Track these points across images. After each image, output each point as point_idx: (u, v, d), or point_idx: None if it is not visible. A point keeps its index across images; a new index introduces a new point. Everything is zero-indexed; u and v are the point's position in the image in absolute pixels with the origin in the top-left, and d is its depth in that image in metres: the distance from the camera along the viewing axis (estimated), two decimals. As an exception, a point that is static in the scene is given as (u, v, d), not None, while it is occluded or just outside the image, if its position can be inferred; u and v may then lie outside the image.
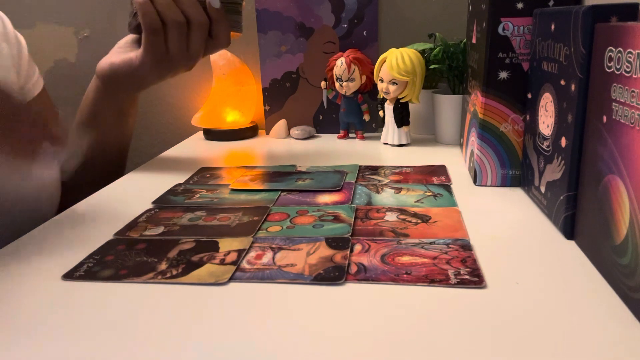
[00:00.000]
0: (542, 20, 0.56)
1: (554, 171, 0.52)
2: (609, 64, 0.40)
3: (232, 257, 0.47)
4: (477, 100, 0.66)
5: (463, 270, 0.44)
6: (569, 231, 0.49)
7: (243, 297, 0.41)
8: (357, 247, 0.49)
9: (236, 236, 0.52)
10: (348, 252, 0.47)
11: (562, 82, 0.49)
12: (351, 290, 0.41)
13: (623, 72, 0.38)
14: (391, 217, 0.56)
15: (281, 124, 0.98)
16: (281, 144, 0.93)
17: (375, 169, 0.74)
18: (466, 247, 0.48)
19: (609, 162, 0.40)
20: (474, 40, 0.71)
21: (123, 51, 0.72)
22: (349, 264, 0.45)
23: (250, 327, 0.37)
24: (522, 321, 0.37)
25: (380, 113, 0.89)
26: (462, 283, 0.42)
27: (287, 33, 0.96)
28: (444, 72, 0.88)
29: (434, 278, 0.42)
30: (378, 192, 0.64)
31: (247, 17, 1.01)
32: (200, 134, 1.02)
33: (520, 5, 0.60)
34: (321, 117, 1.00)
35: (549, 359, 0.33)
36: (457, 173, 0.71)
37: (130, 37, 0.74)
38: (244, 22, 0.71)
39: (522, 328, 0.36)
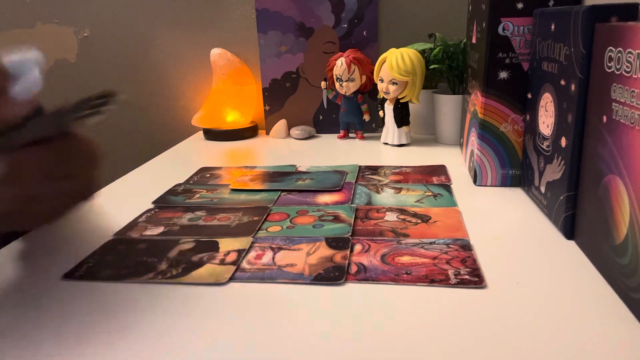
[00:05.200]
0: (542, 20, 0.56)
1: (554, 171, 0.52)
2: (609, 64, 0.40)
3: (232, 257, 0.47)
4: (477, 100, 0.66)
5: (463, 270, 0.44)
6: (569, 231, 0.49)
7: (243, 297, 0.41)
8: (357, 247, 0.49)
9: (236, 236, 0.52)
10: (348, 252, 0.47)
11: (562, 82, 0.49)
12: (351, 290, 0.41)
13: (623, 72, 0.38)
14: (391, 217, 0.56)
15: (281, 124, 0.98)
16: (281, 144, 0.93)
17: (375, 169, 0.74)
18: (466, 247, 0.48)
19: (609, 162, 0.40)
20: (474, 40, 0.71)
21: None
22: (349, 264, 0.45)
23: (250, 327, 0.37)
24: (522, 321, 0.37)
25: (380, 113, 0.89)
26: (462, 283, 0.42)
27: (287, 33, 0.96)
28: (444, 72, 0.88)
29: (434, 278, 0.42)
30: (378, 192, 0.64)
31: (248, 17, 1.02)
32: (200, 134, 1.02)
33: (520, 5, 0.60)
34: (321, 117, 1.00)
35: (549, 359, 0.33)
36: (457, 173, 0.71)
37: None
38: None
39: (522, 328, 0.36)
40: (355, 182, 0.68)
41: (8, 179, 0.38)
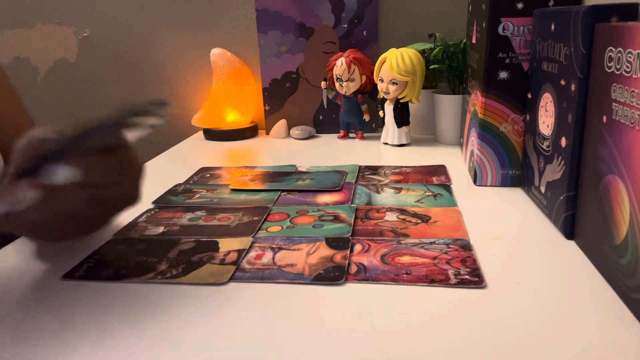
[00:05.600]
0: (542, 20, 0.56)
1: (554, 171, 0.52)
2: (609, 64, 0.40)
3: (232, 257, 0.47)
4: (477, 100, 0.66)
5: (463, 270, 0.44)
6: (569, 231, 0.49)
7: (243, 297, 0.41)
8: (357, 247, 0.49)
9: (236, 236, 0.52)
10: (348, 252, 0.47)
11: (562, 82, 0.49)
12: (351, 290, 0.41)
13: (623, 72, 0.38)
14: (391, 217, 0.56)
15: (281, 124, 0.98)
16: (281, 144, 0.93)
17: (375, 169, 0.74)
18: (466, 247, 0.48)
19: (609, 162, 0.40)
20: (474, 40, 0.71)
21: None
22: (349, 264, 0.45)
23: (250, 327, 0.37)
24: (522, 321, 0.37)
25: (380, 113, 0.89)
26: (462, 283, 0.42)
27: (287, 33, 0.96)
28: (444, 72, 0.88)
29: (434, 278, 0.42)
30: (378, 192, 0.64)
31: (248, 17, 1.02)
32: (200, 134, 1.02)
33: (520, 5, 0.60)
34: (321, 117, 1.00)
35: (549, 359, 0.33)
36: (457, 173, 0.71)
37: None
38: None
39: (522, 328, 0.36)
40: (355, 182, 0.68)
41: (81, 182, 0.41)
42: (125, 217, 0.58)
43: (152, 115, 0.42)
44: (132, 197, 0.48)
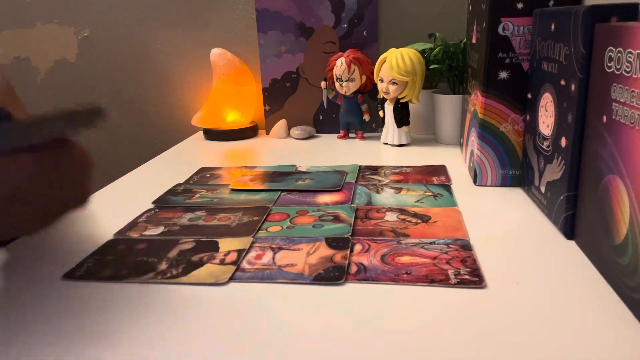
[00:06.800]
0: (542, 20, 0.56)
1: (554, 171, 0.52)
2: (609, 64, 0.40)
3: (232, 257, 0.47)
4: (477, 100, 0.66)
5: (463, 270, 0.44)
6: (569, 231, 0.49)
7: (243, 297, 0.41)
8: (357, 247, 0.49)
9: (236, 236, 0.52)
10: (348, 252, 0.47)
11: (562, 82, 0.49)
12: (351, 290, 0.41)
13: (623, 72, 0.38)
14: (391, 217, 0.56)
15: (281, 124, 0.98)
16: (281, 144, 0.93)
17: (375, 169, 0.74)
18: (466, 247, 0.48)
19: (609, 162, 0.40)
20: (474, 40, 0.71)
21: None
22: (349, 264, 0.45)
23: (250, 327, 0.37)
24: (522, 321, 0.37)
25: (380, 113, 0.89)
26: (462, 283, 0.42)
27: (287, 33, 0.96)
28: (444, 72, 0.88)
29: (434, 278, 0.42)
30: (378, 192, 0.64)
31: (248, 17, 1.02)
32: (200, 134, 1.02)
33: (520, 5, 0.60)
34: (321, 117, 1.00)
35: (549, 359, 0.33)
36: (457, 173, 0.71)
37: None
38: None
39: (522, 328, 0.36)
40: (355, 182, 0.68)
41: None
42: (125, 217, 0.58)
43: (89, 122, 0.39)
44: (74, 201, 0.44)
